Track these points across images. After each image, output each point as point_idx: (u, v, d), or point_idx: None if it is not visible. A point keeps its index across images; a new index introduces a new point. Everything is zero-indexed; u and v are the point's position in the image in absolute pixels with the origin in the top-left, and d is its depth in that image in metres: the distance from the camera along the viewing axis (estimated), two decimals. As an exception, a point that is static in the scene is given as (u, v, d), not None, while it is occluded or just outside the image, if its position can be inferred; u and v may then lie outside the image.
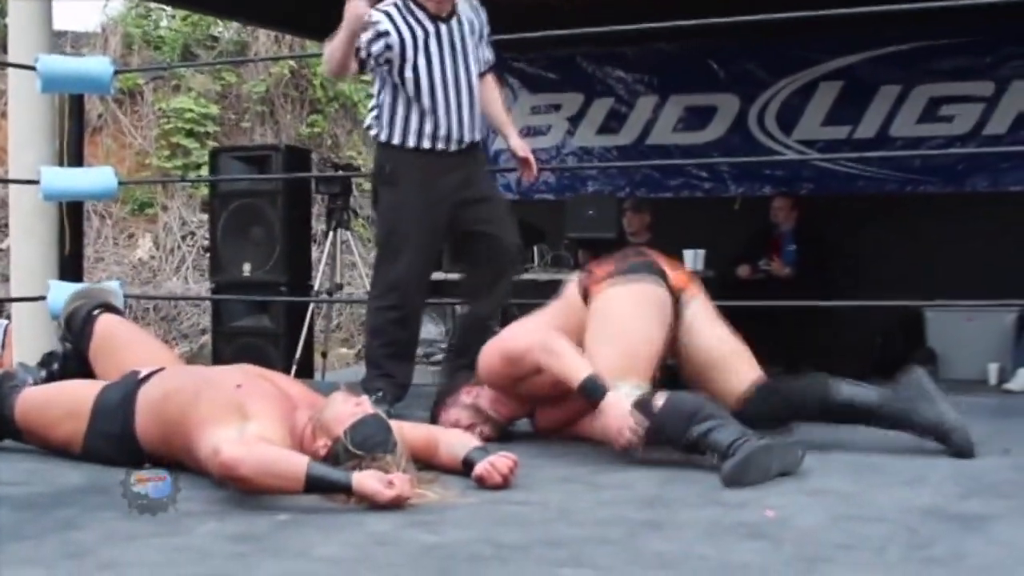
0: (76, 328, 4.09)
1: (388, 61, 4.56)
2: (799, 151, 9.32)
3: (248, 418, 3.17)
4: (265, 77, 14.65)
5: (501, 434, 4.09)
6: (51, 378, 4.02)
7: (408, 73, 4.56)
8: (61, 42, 12.75)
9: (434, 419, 4.07)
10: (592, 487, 3.33)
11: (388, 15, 4.56)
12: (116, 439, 3.53)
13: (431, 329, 10.58)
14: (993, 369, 8.28)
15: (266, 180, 8.25)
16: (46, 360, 4.15)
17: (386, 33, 4.52)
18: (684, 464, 3.58)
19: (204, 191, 12.71)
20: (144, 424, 3.50)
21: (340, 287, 9.01)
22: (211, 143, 13.36)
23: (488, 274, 4.76)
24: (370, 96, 4.94)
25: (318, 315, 9.01)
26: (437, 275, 9.13)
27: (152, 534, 2.77)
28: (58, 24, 7.46)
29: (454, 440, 3.51)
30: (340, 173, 9.90)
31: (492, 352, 4.01)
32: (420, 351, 10.31)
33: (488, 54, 4.81)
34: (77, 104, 6.65)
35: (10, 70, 7.14)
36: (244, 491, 3.03)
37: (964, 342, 8.42)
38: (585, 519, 2.92)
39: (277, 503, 3.00)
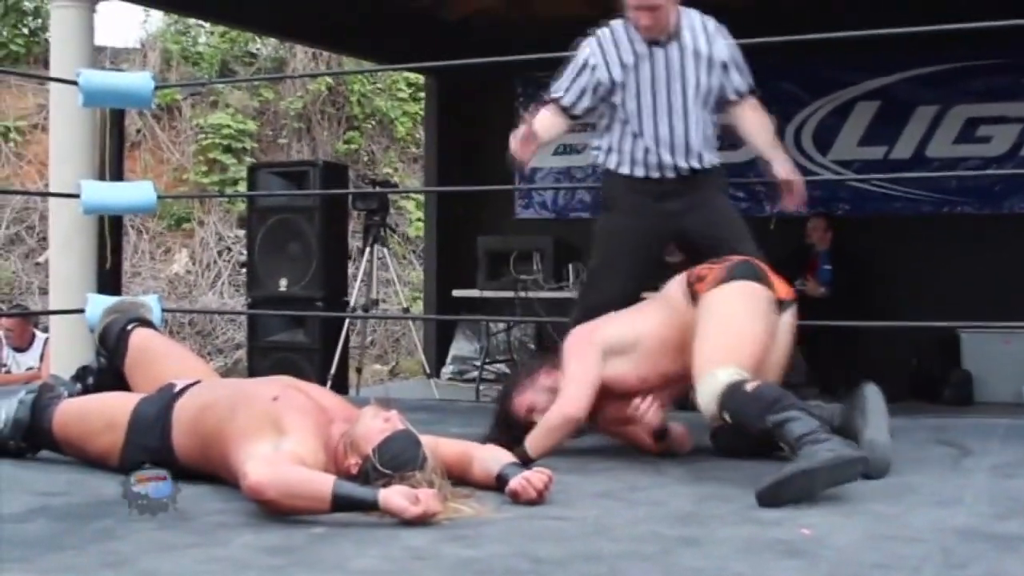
0: (111, 343, 4.09)
1: (598, 86, 4.48)
2: (835, 171, 9.31)
3: (284, 432, 3.16)
4: (302, 94, 14.74)
5: None
6: (86, 392, 4.02)
7: (617, 98, 4.48)
8: (100, 58, 12.85)
9: (506, 398, 4.05)
10: (628, 503, 3.34)
11: (599, 43, 4.49)
12: (153, 452, 3.52)
13: (464, 346, 10.60)
14: (1029, 392, 8.26)
15: (304, 196, 8.29)
16: (80, 374, 4.15)
17: (594, 67, 4.46)
18: (719, 481, 3.59)
19: (240, 207, 12.79)
20: (181, 437, 3.51)
21: (376, 303, 9.05)
22: (248, 159, 13.46)
23: None
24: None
25: (353, 331, 9.04)
26: (471, 293, 9.24)
27: (189, 545, 2.78)
28: (98, 40, 7.53)
29: (488, 456, 3.49)
30: (378, 189, 9.96)
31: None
32: (453, 368, 10.46)
33: (738, 80, 4.63)
34: (118, 119, 6.71)
35: (51, 84, 7.22)
36: (273, 513, 3.03)
37: (1000, 364, 8.40)
38: (621, 535, 2.92)
39: (313, 516, 3.01)
